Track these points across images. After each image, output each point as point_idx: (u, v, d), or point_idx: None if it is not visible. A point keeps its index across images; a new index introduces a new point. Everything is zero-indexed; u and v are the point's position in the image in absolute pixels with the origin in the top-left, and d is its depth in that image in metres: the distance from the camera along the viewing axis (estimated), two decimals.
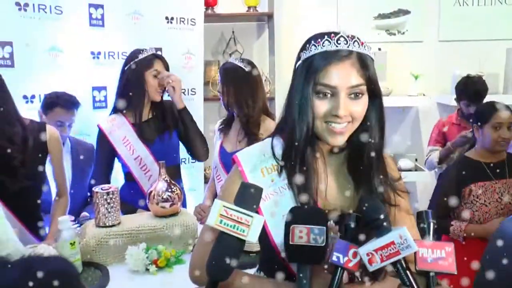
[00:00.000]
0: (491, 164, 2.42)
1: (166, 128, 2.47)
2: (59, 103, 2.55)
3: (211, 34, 3.89)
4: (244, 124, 2.33)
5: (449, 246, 0.96)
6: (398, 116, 4.14)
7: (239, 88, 2.33)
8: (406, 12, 4.07)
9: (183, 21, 3.33)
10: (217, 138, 2.53)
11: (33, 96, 2.72)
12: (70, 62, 2.87)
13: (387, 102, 3.38)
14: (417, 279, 0.95)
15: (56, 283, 0.74)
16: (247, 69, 2.36)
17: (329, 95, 1.05)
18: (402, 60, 4.02)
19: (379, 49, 3.93)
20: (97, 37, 3.00)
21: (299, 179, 1.10)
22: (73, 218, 2.45)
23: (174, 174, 2.41)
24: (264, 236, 1.11)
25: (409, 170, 3.87)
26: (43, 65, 2.75)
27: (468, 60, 3.92)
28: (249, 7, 3.83)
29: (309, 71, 1.05)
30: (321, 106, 1.05)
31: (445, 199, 2.50)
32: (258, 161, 1.17)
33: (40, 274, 0.73)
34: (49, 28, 2.76)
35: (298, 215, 0.99)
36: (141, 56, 2.37)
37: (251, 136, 2.30)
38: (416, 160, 3.90)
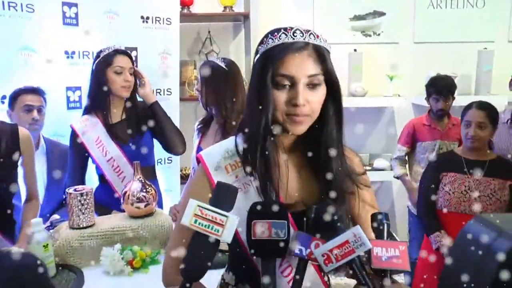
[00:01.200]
0: (472, 161, 2.48)
1: (140, 129, 2.43)
2: (22, 91, 2.52)
3: (187, 34, 3.87)
4: (221, 124, 2.31)
5: (402, 245, 1.00)
6: (374, 117, 4.19)
7: (218, 88, 2.30)
8: (382, 14, 4.13)
9: (158, 21, 3.30)
10: (196, 137, 2.51)
11: (3, 97, 2.65)
12: (43, 62, 2.81)
13: (363, 102, 3.49)
14: (373, 278, 0.97)
15: (24, 277, 0.73)
16: (228, 69, 2.33)
17: (287, 86, 1.07)
18: (378, 61, 4.08)
19: (355, 50, 3.97)
20: (71, 37, 2.94)
21: (260, 170, 1.11)
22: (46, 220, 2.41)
23: (150, 175, 2.39)
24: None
25: (385, 169, 3.92)
26: (15, 65, 2.69)
27: (442, 61, 4.00)
28: (225, 7, 3.82)
29: (266, 63, 1.07)
30: (280, 96, 1.07)
31: (425, 186, 2.59)
32: (222, 159, 1.18)
33: (8, 268, 0.71)
34: (20, 27, 2.70)
35: (259, 210, 1.00)
36: (102, 54, 2.34)
37: (228, 136, 2.27)
38: (391, 159, 3.94)
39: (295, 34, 1.06)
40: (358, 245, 0.95)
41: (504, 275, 0.41)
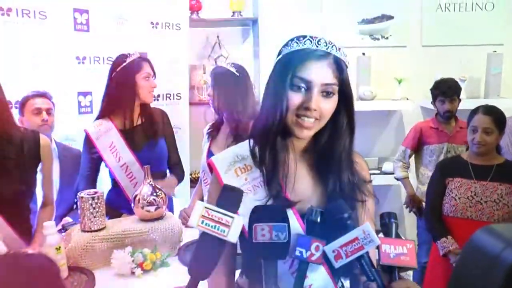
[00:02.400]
0: (479, 166, 2.47)
1: (154, 135, 2.46)
2: (30, 96, 2.57)
3: (196, 39, 3.90)
4: (233, 128, 2.34)
5: (410, 243, 1.03)
6: (382, 120, 4.19)
7: (229, 93, 2.34)
8: (390, 17, 4.13)
9: (168, 26, 3.35)
10: (205, 141, 2.53)
11: (17, 102, 2.70)
12: (54, 67, 2.86)
13: (371, 106, 3.49)
14: (380, 274, 1.00)
15: (37, 277, 0.76)
16: (238, 74, 2.37)
17: (303, 89, 1.11)
18: (386, 64, 4.07)
19: (363, 53, 3.98)
20: (82, 42, 2.99)
21: (268, 164, 1.16)
22: (58, 223, 2.45)
23: (161, 180, 2.42)
24: (241, 235, 1.14)
25: (393, 173, 3.91)
26: (27, 71, 2.74)
27: (450, 65, 3.99)
28: (233, 12, 3.85)
29: (287, 64, 1.12)
30: (295, 98, 1.11)
31: (432, 191, 2.59)
32: (232, 162, 1.22)
33: (22, 269, 0.74)
34: (33, 33, 2.75)
35: (260, 214, 1.03)
36: (128, 60, 2.38)
37: (239, 141, 2.29)
38: (394, 161, 3.94)
39: (319, 43, 1.11)
40: (367, 242, 0.98)
41: (510, 285, 0.42)
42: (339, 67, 1.12)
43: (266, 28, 3.77)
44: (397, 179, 3.56)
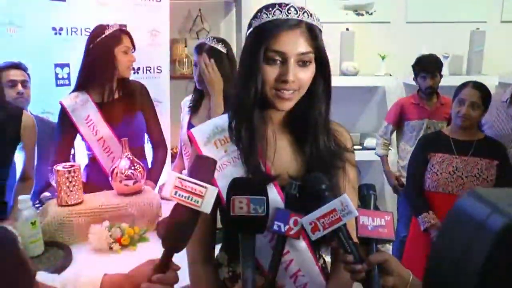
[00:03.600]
0: (460, 141, 2.48)
1: (132, 109, 2.39)
2: (4, 67, 2.49)
3: (178, 12, 3.82)
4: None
5: (388, 215, 1.02)
6: (365, 96, 4.18)
7: (222, 68, 2.28)
8: None
9: None
10: (185, 114, 2.49)
11: None
12: (30, 38, 2.77)
13: (354, 81, 3.48)
14: (358, 247, 0.98)
15: None
16: (223, 50, 2.32)
17: (278, 62, 1.08)
18: (370, 40, 4.05)
19: (347, 29, 3.95)
20: (58, 12, 2.90)
21: (245, 140, 1.13)
22: (36, 198, 2.40)
23: (139, 155, 2.37)
24: (221, 207, 1.12)
25: (376, 148, 3.92)
26: (1, 42, 2.65)
27: (434, 41, 3.98)
28: None
29: (259, 38, 1.07)
30: (271, 72, 1.08)
31: (413, 166, 2.60)
32: (211, 134, 1.20)
33: None
34: (5, 2, 2.65)
35: (238, 186, 1.01)
36: (107, 32, 2.29)
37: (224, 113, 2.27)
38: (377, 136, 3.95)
39: (289, 11, 1.07)
40: (345, 213, 0.96)
41: (498, 252, 0.40)
42: (313, 33, 1.09)
43: (248, 1, 3.69)
44: (378, 156, 3.59)
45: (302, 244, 1.14)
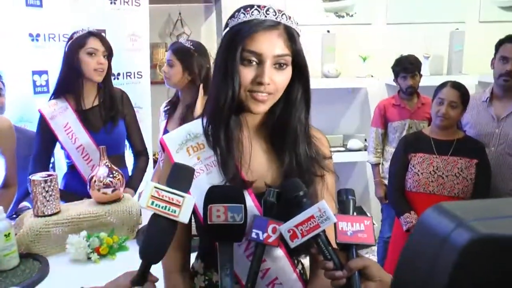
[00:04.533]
0: (440, 141, 2.50)
1: (113, 117, 2.35)
2: None
3: (158, 16, 3.79)
4: (188, 106, 2.29)
5: (367, 220, 1.01)
6: (347, 97, 4.19)
7: (187, 69, 2.30)
8: None
9: (127, 2, 3.22)
10: (162, 119, 2.47)
11: None
12: (6, 45, 2.72)
13: (336, 83, 3.49)
14: (338, 253, 0.97)
15: None
16: (196, 51, 2.32)
17: (254, 63, 1.05)
18: (351, 42, 4.06)
19: (328, 31, 3.95)
20: (35, 18, 2.85)
21: (222, 146, 1.10)
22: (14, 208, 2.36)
23: (119, 163, 2.34)
24: (195, 216, 1.10)
25: (359, 150, 3.94)
26: None
27: (414, 42, 4.00)
28: None
29: (236, 38, 1.05)
30: (247, 73, 1.05)
31: (394, 167, 2.61)
32: (184, 141, 1.17)
33: None
34: None
35: (215, 194, 0.99)
36: (76, 35, 2.26)
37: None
38: (365, 140, 3.97)
39: (268, 12, 1.04)
40: (323, 220, 0.95)
41: (462, 268, 0.39)
42: (291, 36, 1.06)
43: (229, 4, 3.67)
44: (370, 163, 3.55)
45: (279, 251, 1.12)
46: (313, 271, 1.21)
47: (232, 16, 1.09)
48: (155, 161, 3.52)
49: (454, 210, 0.41)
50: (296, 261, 1.20)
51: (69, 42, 2.26)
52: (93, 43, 2.25)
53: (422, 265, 0.41)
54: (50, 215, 1.85)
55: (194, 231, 1.22)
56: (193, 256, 1.27)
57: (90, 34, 2.27)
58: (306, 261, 1.27)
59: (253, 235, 1.00)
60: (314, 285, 1.18)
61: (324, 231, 0.97)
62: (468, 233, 0.38)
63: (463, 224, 0.39)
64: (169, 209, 0.93)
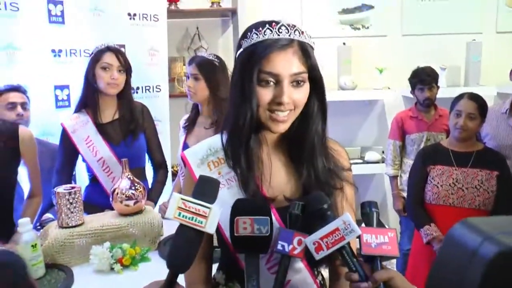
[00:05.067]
0: (459, 153, 2.49)
1: (133, 130, 2.39)
2: (3, 90, 2.49)
3: (175, 30, 3.85)
4: (215, 120, 2.32)
5: (391, 232, 1.02)
6: (364, 109, 4.19)
7: (213, 82, 2.33)
8: (370, 7, 4.12)
9: (145, 17, 3.29)
10: (181, 134, 2.50)
11: None
12: (29, 60, 2.79)
13: (353, 95, 3.50)
14: (362, 265, 0.98)
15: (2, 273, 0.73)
16: (218, 64, 2.36)
17: (272, 83, 1.06)
18: (367, 54, 4.08)
19: (344, 43, 3.97)
20: (57, 34, 2.92)
21: (243, 166, 1.12)
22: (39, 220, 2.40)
23: (139, 176, 2.38)
24: (217, 230, 1.11)
25: (376, 162, 3.93)
26: (1, 65, 2.67)
27: (430, 53, 4.00)
28: (212, 3, 3.80)
29: (251, 60, 1.05)
30: (265, 94, 1.06)
31: (413, 180, 2.60)
32: (205, 156, 1.18)
33: None
34: (5, 25, 2.67)
35: (242, 207, 1.01)
36: (94, 51, 2.33)
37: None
38: (383, 152, 3.96)
39: (280, 30, 1.05)
40: (348, 232, 0.96)
41: (490, 280, 0.41)
42: (306, 52, 1.07)
43: (245, 18, 3.72)
44: (388, 175, 3.55)
45: (300, 263, 1.13)
46: (332, 282, 1.22)
47: (244, 37, 1.09)
48: (173, 174, 3.55)
49: (481, 224, 0.43)
50: (316, 272, 1.21)
51: (89, 58, 2.33)
52: (108, 58, 2.30)
53: (452, 277, 0.43)
54: (74, 227, 1.89)
55: (215, 242, 1.24)
56: (214, 267, 1.28)
57: (108, 49, 2.33)
58: (325, 272, 1.29)
59: (279, 247, 1.01)
60: None
61: (349, 243, 0.98)
62: (496, 246, 0.40)
63: (490, 237, 0.41)
64: (195, 220, 0.95)
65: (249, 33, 1.08)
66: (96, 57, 2.30)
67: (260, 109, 1.07)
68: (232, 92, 1.13)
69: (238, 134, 1.11)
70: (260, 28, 1.05)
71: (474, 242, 0.42)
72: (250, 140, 1.11)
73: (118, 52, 2.36)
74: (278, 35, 1.04)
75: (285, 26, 1.05)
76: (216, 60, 2.37)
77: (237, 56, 1.12)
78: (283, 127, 1.09)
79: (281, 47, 1.04)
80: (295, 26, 1.07)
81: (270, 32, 1.04)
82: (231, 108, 1.14)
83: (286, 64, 1.04)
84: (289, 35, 1.05)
